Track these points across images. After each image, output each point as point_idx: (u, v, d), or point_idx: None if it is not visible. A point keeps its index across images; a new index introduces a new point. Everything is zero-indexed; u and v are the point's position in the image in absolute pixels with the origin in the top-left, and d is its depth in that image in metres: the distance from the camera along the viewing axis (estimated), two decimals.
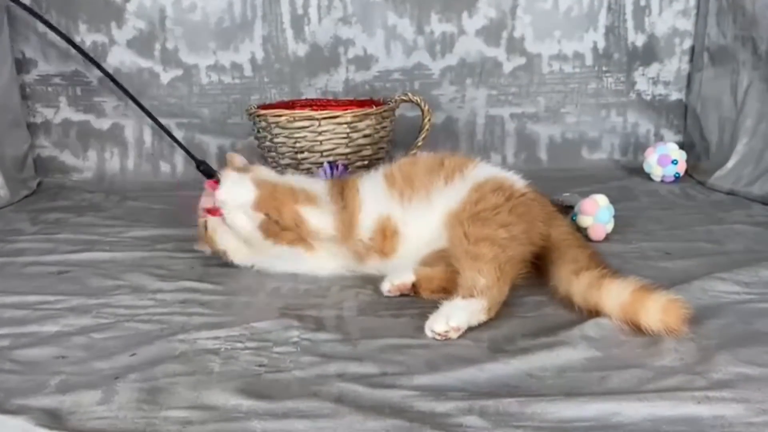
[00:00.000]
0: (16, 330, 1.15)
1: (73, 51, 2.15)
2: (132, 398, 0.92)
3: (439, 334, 1.07)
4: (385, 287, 1.24)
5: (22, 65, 2.26)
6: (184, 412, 0.89)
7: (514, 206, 1.24)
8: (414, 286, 1.24)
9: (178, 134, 2.31)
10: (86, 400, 0.92)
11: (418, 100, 1.91)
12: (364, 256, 1.33)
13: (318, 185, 1.38)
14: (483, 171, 1.32)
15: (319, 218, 1.30)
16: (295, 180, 1.39)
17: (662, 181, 2.07)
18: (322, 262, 1.35)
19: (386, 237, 1.31)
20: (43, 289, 1.33)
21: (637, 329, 1.06)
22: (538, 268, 1.26)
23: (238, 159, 1.47)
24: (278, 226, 1.29)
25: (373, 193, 1.34)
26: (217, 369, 1.00)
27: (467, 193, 1.25)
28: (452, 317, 1.07)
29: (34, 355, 1.06)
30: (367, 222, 1.32)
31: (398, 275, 1.24)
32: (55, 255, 1.54)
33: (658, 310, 1.04)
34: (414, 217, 1.30)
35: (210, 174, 1.23)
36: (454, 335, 1.07)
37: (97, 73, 2.23)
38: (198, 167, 1.23)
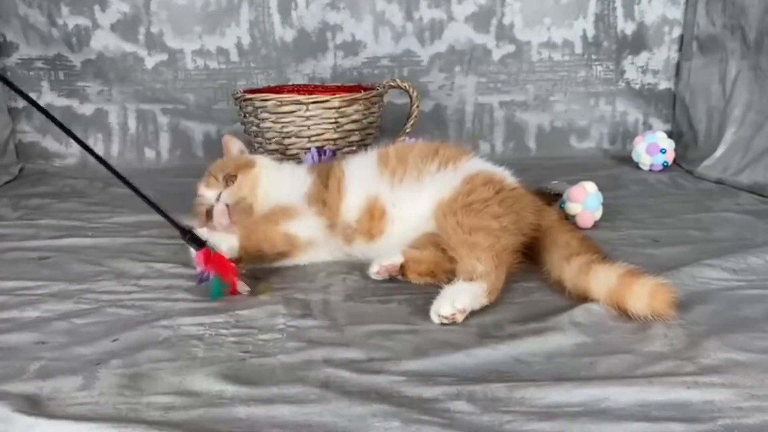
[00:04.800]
0: None
1: (55, 34, 2.12)
2: (114, 384, 0.90)
3: (446, 318, 1.06)
4: (374, 269, 1.24)
5: (2, 49, 2.22)
6: (167, 397, 0.87)
7: (503, 199, 1.25)
8: (402, 268, 1.23)
9: (163, 120, 2.28)
10: (67, 385, 0.90)
11: (407, 86, 1.90)
12: (351, 238, 1.32)
13: (294, 190, 1.36)
14: (475, 164, 1.34)
15: (306, 226, 1.31)
16: (273, 195, 1.36)
17: (651, 169, 2.07)
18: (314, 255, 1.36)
19: (374, 218, 1.30)
20: (24, 275, 1.30)
21: (624, 314, 1.06)
22: (529, 256, 1.26)
23: (235, 144, 1.45)
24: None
25: (361, 175, 1.34)
26: (201, 355, 0.99)
27: (459, 184, 1.26)
28: (457, 300, 1.07)
29: (14, 340, 1.04)
30: (353, 203, 1.32)
31: (386, 257, 1.24)
32: (36, 241, 1.51)
33: (645, 295, 1.04)
34: (403, 198, 1.30)
35: (199, 242, 1.18)
36: (460, 318, 1.07)
37: (80, 56, 2.19)
38: (184, 237, 1.18)
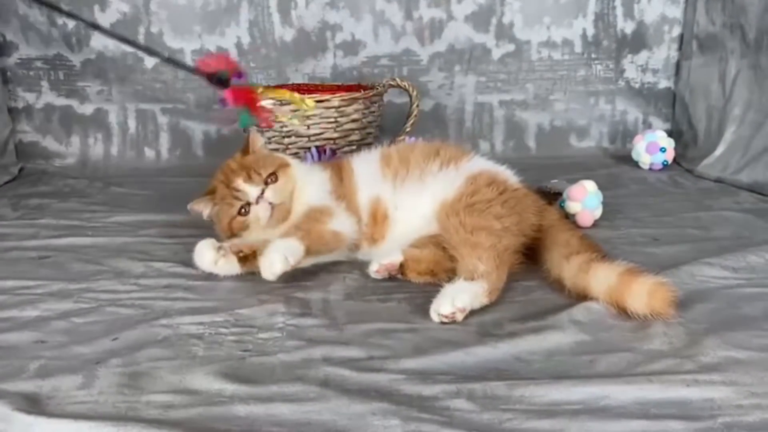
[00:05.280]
0: None
1: (55, 33, 2.12)
2: (113, 382, 0.90)
3: (446, 316, 1.06)
4: (373, 268, 1.24)
5: (2, 49, 2.21)
6: (166, 396, 0.87)
7: (506, 200, 1.25)
8: (402, 267, 1.23)
9: (163, 119, 2.28)
10: (66, 384, 0.90)
11: (407, 86, 1.90)
12: (356, 243, 1.32)
13: (321, 190, 1.34)
14: (477, 164, 1.34)
15: (346, 223, 1.30)
16: (304, 195, 1.34)
17: (650, 168, 2.07)
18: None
19: (377, 222, 1.31)
20: (24, 275, 1.30)
21: (624, 313, 1.06)
22: (529, 256, 1.26)
23: (260, 140, 1.41)
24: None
25: (366, 174, 1.35)
26: (200, 353, 0.99)
27: (462, 184, 1.26)
28: (457, 298, 1.07)
29: (14, 339, 1.04)
30: (363, 202, 1.32)
31: (386, 256, 1.24)
32: (36, 240, 1.51)
33: (644, 294, 1.04)
34: (405, 200, 1.30)
35: (223, 82, 1.19)
36: (460, 316, 1.07)
37: (80, 56, 2.19)
38: (210, 81, 1.19)
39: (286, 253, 1.17)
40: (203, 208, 1.33)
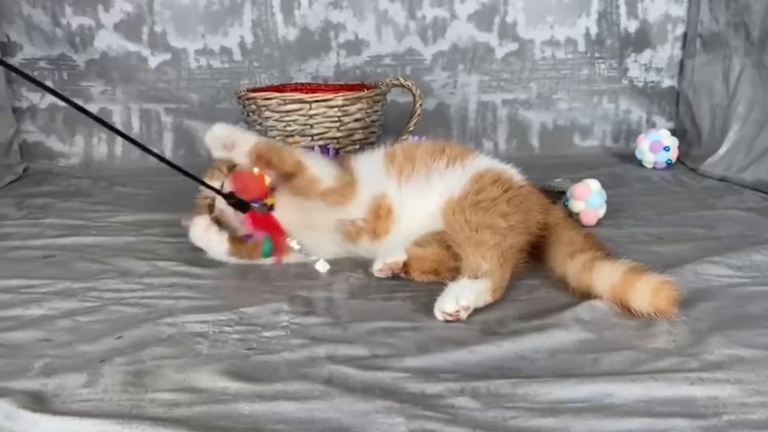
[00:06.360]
0: (0, 314, 1.13)
1: (59, 34, 2.13)
2: (118, 381, 0.90)
3: (450, 315, 1.06)
4: (377, 266, 1.24)
5: (6, 49, 2.22)
6: (171, 394, 0.87)
7: (511, 198, 1.25)
8: (405, 265, 1.23)
9: (167, 119, 2.28)
10: (71, 382, 0.90)
11: (410, 85, 1.90)
12: (356, 236, 1.32)
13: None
14: (482, 162, 1.34)
15: (320, 168, 1.28)
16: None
17: (654, 167, 2.07)
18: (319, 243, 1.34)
19: (380, 217, 1.30)
20: (28, 274, 1.31)
21: (627, 311, 1.06)
22: (533, 254, 1.26)
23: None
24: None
25: (369, 172, 1.34)
26: (204, 352, 0.99)
27: (468, 182, 1.26)
28: (461, 297, 1.07)
29: (18, 338, 1.04)
30: (362, 198, 1.31)
31: (390, 254, 1.24)
32: (40, 240, 1.51)
33: (647, 292, 1.04)
34: (410, 197, 1.30)
35: (243, 206, 1.22)
36: (464, 315, 1.07)
37: (84, 56, 2.20)
38: (228, 201, 1.22)
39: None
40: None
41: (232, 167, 1.32)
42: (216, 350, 0.99)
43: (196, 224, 1.30)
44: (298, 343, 1.01)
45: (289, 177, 1.25)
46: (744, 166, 1.88)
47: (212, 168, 1.37)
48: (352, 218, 1.30)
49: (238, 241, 1.28)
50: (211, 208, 1.34)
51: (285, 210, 1.32)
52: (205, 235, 1.30)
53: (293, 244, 1.21)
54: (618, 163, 2.15)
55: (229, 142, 1.24)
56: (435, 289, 1.13)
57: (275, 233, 1.21)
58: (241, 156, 1.24)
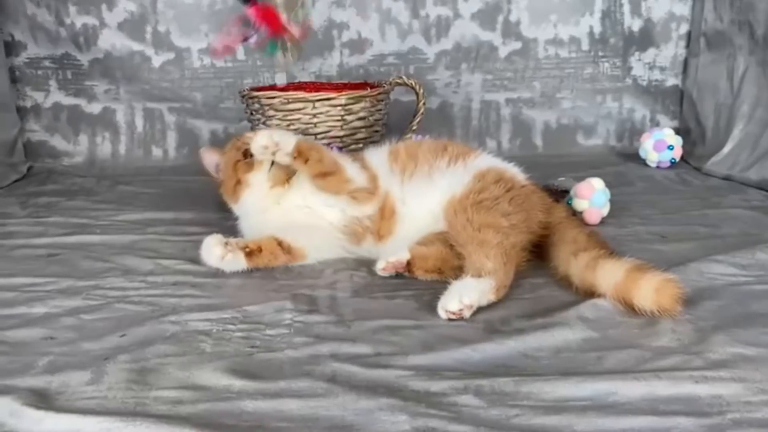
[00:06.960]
0: (4, 311, 1.13)
1: (63, 33, 2.13)
2: (121, 378, 0.91)
3: (454, 313, 1.06)
4: (380, 265, 1.24)
5: (11, 48, 2.23)
6: (174, 392, 0.88)
7: (514, 197, 1.25)
8: (408, 264, 1.23)
9: (170, 118, 2.29)
10: (75, 380, 0.90)
11: (413, 83, 1.89)
12: (361, 237, 1.32)
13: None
14: (485, 161, 1.34)
15: (354, 171, 1.32)
16: None
17: (658, 166, 2.06)
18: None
19: (384, 217, 1.31)
20: (33, 272, 1.31)
21: (631, 309, 1.05)
22: (537, 253, 1.26)
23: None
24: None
25: (377, 167, 1.35)
26: (208, 350, 0.99)
27: (470, 181, 1.26)
28: (465, 295, 1.07)
29: (23, 336, 1.04)
30: (380, 196, 1.32)
31: (393, 253, 1.24)
32: (44, 238, 1.52)
33: (651, 290, 1.04)
34: (413, 196, 1.31)
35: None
36: (467, 313, 1.07)
37: (88, 56, 2.20)
38: None
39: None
40: (212, 155, 1.39)
41: None
42: (220, 348, 0.99)
43: (209, 251, 1.25)
44: (302, 341, 1.01)
45: (325, 175, 1.28)
46: (748, 165, 1.87)
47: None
48: (367, 215, 1.31)
49: (251, 252, 1.27)
50: (245, 153, 1.32)
51: (292, 209, 1.33)
52: (221, 262, 1.25)
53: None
54: (622, 162, 2.15)
55: (272, 144, 1.24)
56: (438, 287, 1.13)
57: (274, 24, 1.25)
58: (285, 158, 1.26)
